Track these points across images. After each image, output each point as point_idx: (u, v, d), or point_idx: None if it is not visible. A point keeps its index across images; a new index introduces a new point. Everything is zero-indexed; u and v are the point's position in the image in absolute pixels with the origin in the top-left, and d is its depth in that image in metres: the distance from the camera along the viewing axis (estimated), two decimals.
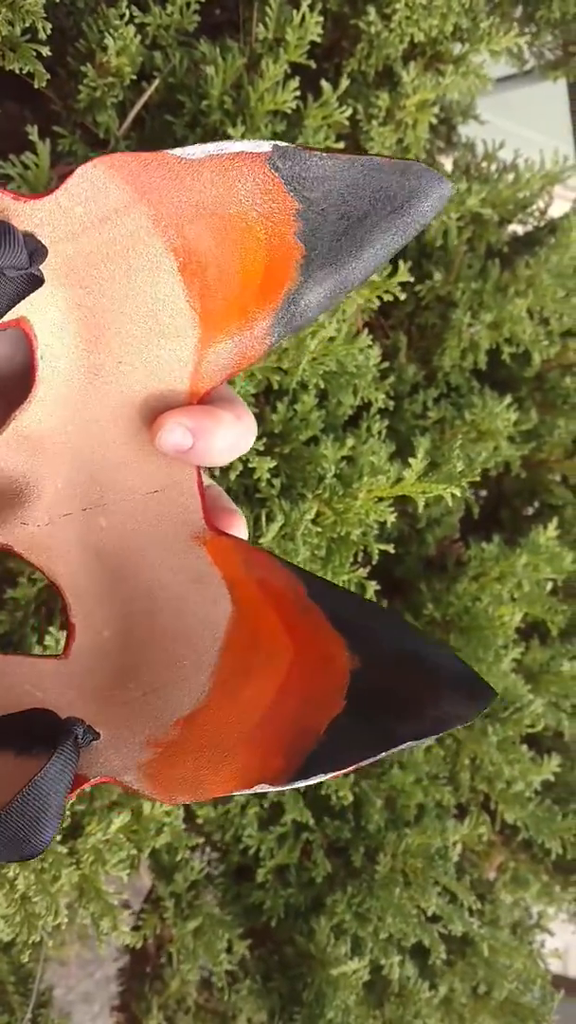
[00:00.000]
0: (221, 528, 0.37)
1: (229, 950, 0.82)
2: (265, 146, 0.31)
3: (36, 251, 0.30)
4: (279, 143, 0.31)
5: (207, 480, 0.40)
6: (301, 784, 0.32)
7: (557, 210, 0.98)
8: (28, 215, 0.30)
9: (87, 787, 0.31)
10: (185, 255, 0.33)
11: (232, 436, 0.36)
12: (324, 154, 0.32)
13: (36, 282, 0.30)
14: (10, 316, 0.32)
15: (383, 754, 0.30)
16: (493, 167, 0.95)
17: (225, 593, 0.37)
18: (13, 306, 0.30)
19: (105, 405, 0.36)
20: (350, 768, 0.31)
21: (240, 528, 0.38)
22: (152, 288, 0.34)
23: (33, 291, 0.30)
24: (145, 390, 0.36)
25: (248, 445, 0.37)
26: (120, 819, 0.71)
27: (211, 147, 0.31)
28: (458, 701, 0.32)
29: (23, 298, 0.30)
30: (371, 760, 0.31)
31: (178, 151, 0.31)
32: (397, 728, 0.31)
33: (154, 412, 0.36)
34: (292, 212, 0.33)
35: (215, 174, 0.31)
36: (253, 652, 0.36)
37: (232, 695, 0.35)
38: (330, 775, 0.31)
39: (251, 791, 0.31)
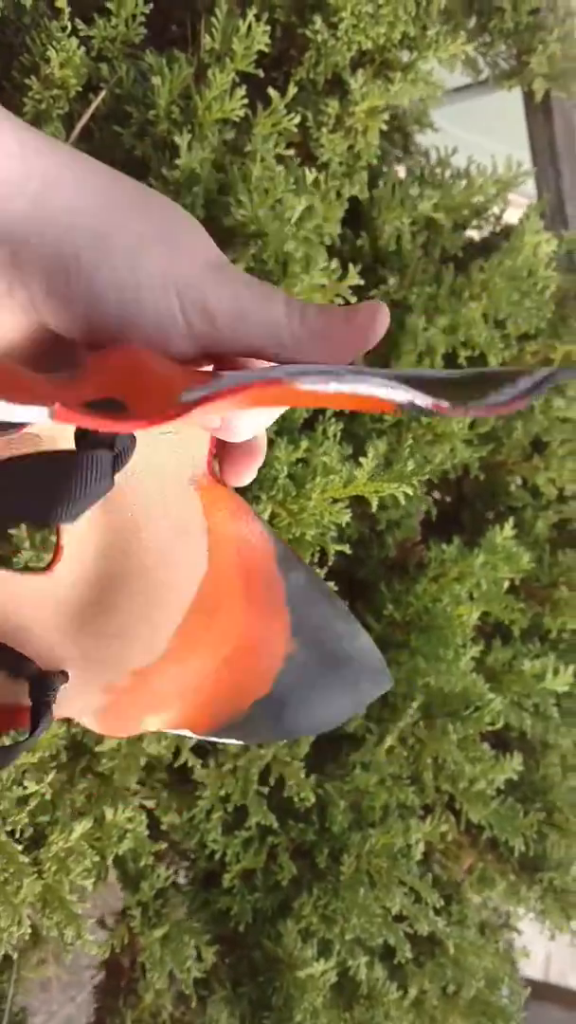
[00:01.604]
0: (236, 449, 0.37)
1: (198, 957, 0.81)
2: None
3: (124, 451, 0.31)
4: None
5: None
6: (213, 739, 0.39)
7: (513, 216, 0.99)
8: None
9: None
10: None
11: (260, 415, 0.35)
12: None
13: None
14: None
15: (281, 740, 0.36)
16: (447, 173, 0.96)
17: (204, 553, 0.38)
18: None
19: None
20: (256, 741, 0.37)
21: (252, 458, 0.37)
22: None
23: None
24: None
25: (273, 418, 0.37)
26: (82, 826, 0.71)
27: None
28: (356, 697, 0.40)
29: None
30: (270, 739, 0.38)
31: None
32: (300, 722, 0.39)
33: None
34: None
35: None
36: (211, 621, 0.38)
37: (183, 659, 0.38)
38: (239, 743, 0.40)
39: (175, 733, 0.38)
